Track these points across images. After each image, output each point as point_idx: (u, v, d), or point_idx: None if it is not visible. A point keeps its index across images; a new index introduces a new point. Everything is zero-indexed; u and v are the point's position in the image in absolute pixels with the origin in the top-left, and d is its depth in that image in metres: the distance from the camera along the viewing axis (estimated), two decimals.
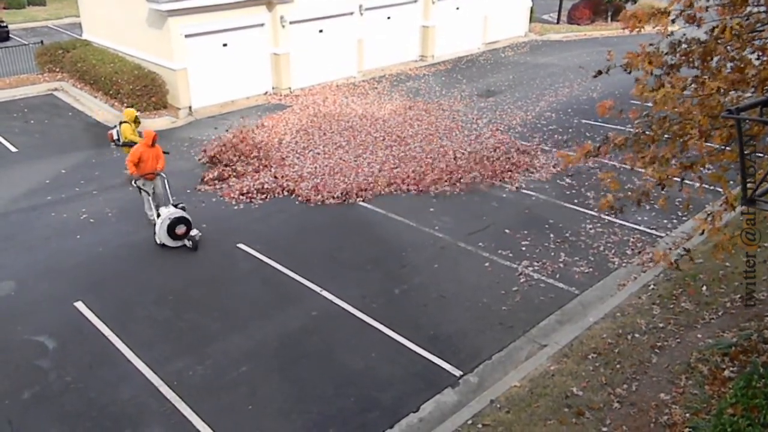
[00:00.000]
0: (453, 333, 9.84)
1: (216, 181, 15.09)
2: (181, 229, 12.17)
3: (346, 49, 24.17)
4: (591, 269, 11.49)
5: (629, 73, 7.32)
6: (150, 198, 12.97)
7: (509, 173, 15.40)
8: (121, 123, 14.70)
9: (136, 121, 15.01)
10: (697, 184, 7.79)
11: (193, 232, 12.34)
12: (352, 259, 11.98)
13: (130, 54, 21.63)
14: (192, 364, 9.18)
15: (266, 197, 14.41)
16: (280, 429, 8.07)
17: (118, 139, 14.59)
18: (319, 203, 14.02)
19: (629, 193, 8.06)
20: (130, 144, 14.20)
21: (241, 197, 14.34)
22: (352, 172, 15.21)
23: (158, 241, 12.33)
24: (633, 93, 7.17)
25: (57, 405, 8.44)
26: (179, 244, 12.31)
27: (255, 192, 14.48)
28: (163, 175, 13.06)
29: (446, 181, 14.88)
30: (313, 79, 23.24)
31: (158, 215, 12.44)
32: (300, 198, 14.26)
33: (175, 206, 12.48)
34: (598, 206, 7.75)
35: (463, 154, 16.29)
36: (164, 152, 13.55)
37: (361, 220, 13.47)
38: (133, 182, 13.05)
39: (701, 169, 7.36)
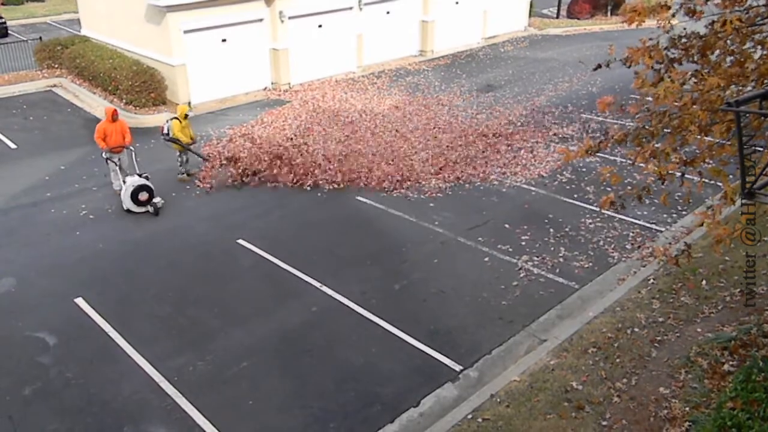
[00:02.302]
0: (453, 328, 9.85)
1: (213, 179, 15.12)
2: (143, 196, 13.39)
3: (346, 44, 24.12)
4: (591, 264, 11.50)
5: (629, 67, 7.31)
6: (117, 169, 13.94)
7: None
8: (172, 119, 14.95)
9: (186, 117, 15.15)
10: (697, 179, 7.79)
11: (156, 199, 13.52)
12: (352, 254, 11.99)
13: (129, 50, 21.59)
14: (193, 360, 9.20)
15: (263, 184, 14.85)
16: (281, 424, 8.09)
17: (167, 134, 14.86)
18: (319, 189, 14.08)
19: (629, 188, 8.06)
20: (177, 140, 14.86)
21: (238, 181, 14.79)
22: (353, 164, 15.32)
23: (125, 207, 13.49)
24: (633, 86, 7.17)
25: (58, 401, 8.46)
26: (143, 210, 13.50)
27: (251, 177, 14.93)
28: (131, 149, 14.15)
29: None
30: (313, 74, 23.19)
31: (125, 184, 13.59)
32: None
33: (140, 176, 13.61)
34: (600, 204, 7.75)
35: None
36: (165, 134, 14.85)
37: (361, 216, 13.47)
38: (102, 155, 14.13)
39: (701, 163, 7.36)
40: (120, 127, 13.91)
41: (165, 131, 14.84)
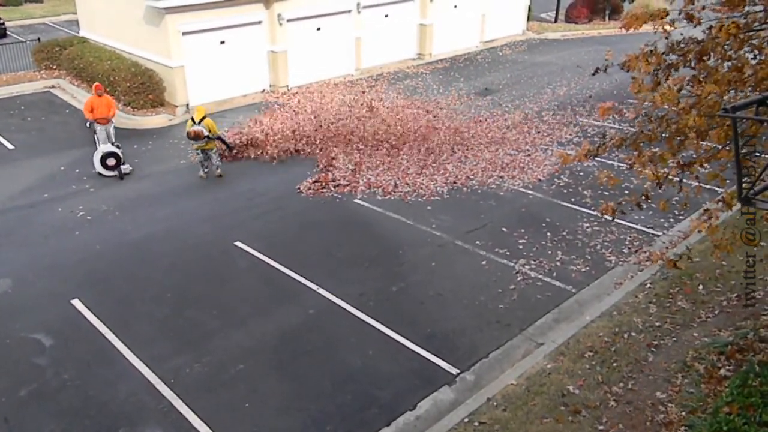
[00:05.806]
0: (450, 331, 9.85)
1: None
2: (111, 161, 15.12)
3: (344, 47, 24.14)
4: (588, 268, 11.51)
5: (627, 71, 7.33)
6: (103, 138, 15.59)
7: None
8: (200, 121, 14.85)
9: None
10: (695, 183, 7.81)
11: (124, 166, 15.32)
12: (350, 257, 11.98)
13: (128, 51, 21.58)
14: (189, 362, 9.18)
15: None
16: (278, 426, 8.08)
17: (209, 135, 14.89)
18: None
19: (626, 194, 8.08)
20: (220, 137, 15.53)
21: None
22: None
23: (96, 171, 15.23)
24: (630, 89, 7.19)
25: (54, 403, 8.44)
26: (111, 174, 15.19)
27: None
28: (113, 121, 15.93)
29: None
30: (311, 77, 23.21)
31: None
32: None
33: (112, 144, 15.43)
34: (600, 210, 7.77)
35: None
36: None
37: (359, 218, 13.47)
38: (87, 124, 16.10)
39: (698, 168, 7.38)
40: (106, 101, 15.65)
41: (206, 133, 14.79)
